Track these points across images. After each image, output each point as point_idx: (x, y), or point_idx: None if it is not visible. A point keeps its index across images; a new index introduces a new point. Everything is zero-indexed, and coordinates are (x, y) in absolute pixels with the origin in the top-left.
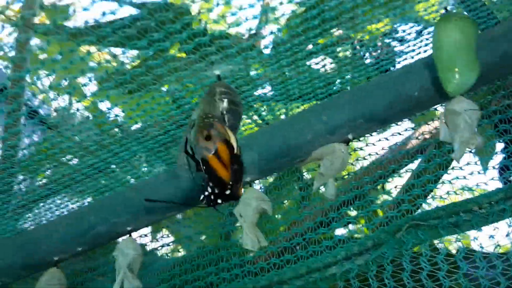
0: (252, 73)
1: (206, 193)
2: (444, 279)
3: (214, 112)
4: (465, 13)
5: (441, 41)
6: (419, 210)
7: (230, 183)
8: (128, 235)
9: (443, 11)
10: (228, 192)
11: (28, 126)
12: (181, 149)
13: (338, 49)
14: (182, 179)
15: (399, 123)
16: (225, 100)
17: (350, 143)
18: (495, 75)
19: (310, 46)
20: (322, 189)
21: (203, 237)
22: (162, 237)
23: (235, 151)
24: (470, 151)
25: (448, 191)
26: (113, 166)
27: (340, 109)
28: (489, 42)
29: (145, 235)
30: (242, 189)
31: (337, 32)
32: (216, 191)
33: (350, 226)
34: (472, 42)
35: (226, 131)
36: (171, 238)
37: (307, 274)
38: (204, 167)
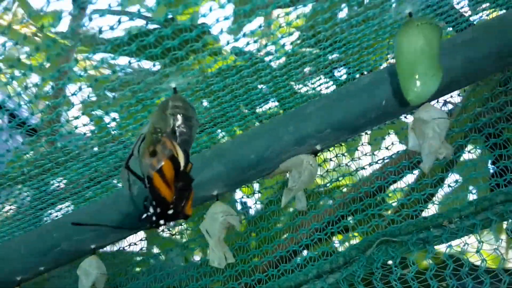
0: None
1: (148, 213)
2: None
3: (165, 127)
4: (430, 17)
5: (402, 48)
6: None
7: (173, 202)
8: (92, 253)
9: (407, 16)
10: (171, 212)
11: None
12: (124, 164)
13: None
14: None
15: (368, 132)
16: (178, 114)
17: (319, 154)
18: (463, 81)
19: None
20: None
21: (172, 255)
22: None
23: (182, 168)
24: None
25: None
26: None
27: (307, 119)
28: (451, 48)
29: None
30: (190, 208)
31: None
32: (158, 210)
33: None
34: (435, 48)
35: (174, 146)
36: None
37: None
38: (148, 185)
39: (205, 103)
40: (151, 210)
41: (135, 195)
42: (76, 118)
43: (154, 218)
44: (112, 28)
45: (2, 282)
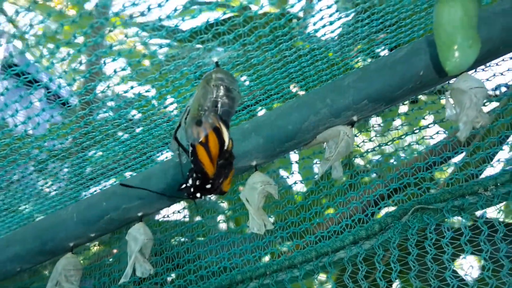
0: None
1: (187, 184)
2: (448, 262)
3: (210, 97)
4: None
5: (441, 18)
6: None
7: (213, 177)
8: (139, 220)
9: None
10: (209, 186)
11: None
12: (173, 135)
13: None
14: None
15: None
16: (221, 86)
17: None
18: (502, 50)
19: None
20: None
21: (214, 223)
22: (176, 222)
23: (226, 146)
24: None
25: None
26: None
27: (344, 91)
28: (490, 17)
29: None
30: (229, 185)
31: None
32: (198, 183)
33: None
34: (473, 18)
35: (220, 124)
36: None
37: (316, 258)
38: (191, 157)
39: (243, 78)
40: (191, 181)
41: (184, 165)
42: (125, 92)
43: (191, 190)
44: (160, 5)
45: (56, 248)
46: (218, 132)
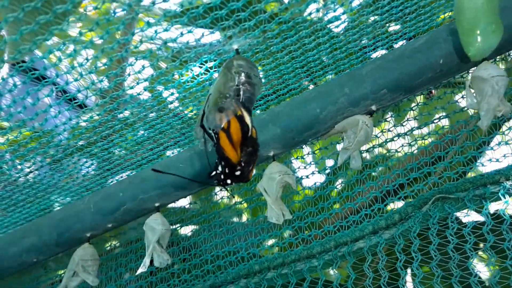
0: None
1: (217, 171)
2: (470, 252)
3: (231, 84)
4: None
5: (463, 3)
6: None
7: (241, 164)
8: (156, 211)
9: None
10: (238, 173)
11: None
12: (198, 123)
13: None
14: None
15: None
16: (242, 73)
17: (374, 114)
18: None
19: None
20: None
21: (230, 213)
22: (193, 212)
23: (250, 133)
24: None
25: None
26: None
27: (363, 80)
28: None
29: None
30: (252, 173)
31: None
32: (227, 170)
33: None
34: (495, 4)
35: (242, 111)
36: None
37: (335, 248)
38: (215, 144)
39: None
40: (220, 169)
41: (209, 152)
42: (146, 80)
43: (221, 177)
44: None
45: (73, 239)
46: (240, 119)
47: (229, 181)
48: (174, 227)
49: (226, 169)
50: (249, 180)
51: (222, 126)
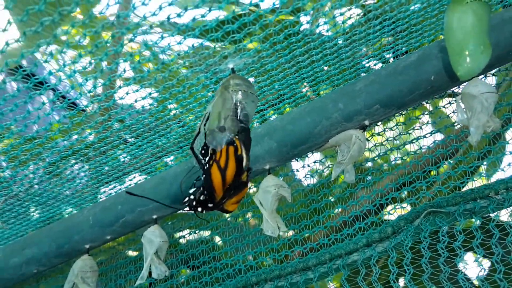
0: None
1: (192, 196)
2: (458, 264)
3: (229, 103)
4: None
5: (452, 24)
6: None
7: (219, 198)
8: (154, 223)
9: None
10: (211, 205)
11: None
12: (191, 145)
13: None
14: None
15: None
16: (239, 92)
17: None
18: (508, 57)
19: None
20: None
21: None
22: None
23: (243, 175)
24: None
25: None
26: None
27: (356, 96)
28: (499, 23)
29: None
30: (235, 206)
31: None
32: (202, 198)
33: None
34: (485, 25)
35: (242, 150)
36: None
37: (330, 261)
38: (204, 174)
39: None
40: (197, 195)
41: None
42: (144, 98)
43: (194, 204)
44: (179, 15)
45: (72, 250)
46: (239, 161)
47: (200, 209)
48: (174, 238)
49: (202, 197)
50: (229, 212)
51: (220, 164)
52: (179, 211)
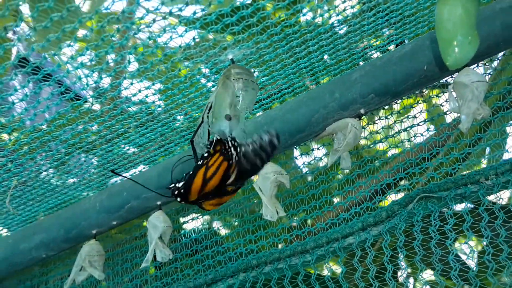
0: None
1: (177, 185)
2: (451, 247)
3: (231, 92)
4: None
5: (442, 16)
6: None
7: (196, 198)
8: (158, 209)
9: None
10: (189, 200)
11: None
12: (196, 129)
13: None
14: None
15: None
16: (240, 80)
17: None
18: (502, 46)
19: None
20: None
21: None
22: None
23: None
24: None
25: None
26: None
27: (352, 86)
28: (490, 14)
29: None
30: (215, 207)
31: None
32: (182, 191)
33: None
34: (473, 17)
35: (233, 174)
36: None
37: (327, 244)
38: (193, 170)
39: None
40: (180, 185)
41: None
42: (147, 88)
43: (175, 192)
44: (180, 10)
45: (80, 236)
46: (225, 177)
47: (178, 199)
48: (178, 223)
49: (182, 190)
50: (206, 210)
51: (208, 170)
52: None
